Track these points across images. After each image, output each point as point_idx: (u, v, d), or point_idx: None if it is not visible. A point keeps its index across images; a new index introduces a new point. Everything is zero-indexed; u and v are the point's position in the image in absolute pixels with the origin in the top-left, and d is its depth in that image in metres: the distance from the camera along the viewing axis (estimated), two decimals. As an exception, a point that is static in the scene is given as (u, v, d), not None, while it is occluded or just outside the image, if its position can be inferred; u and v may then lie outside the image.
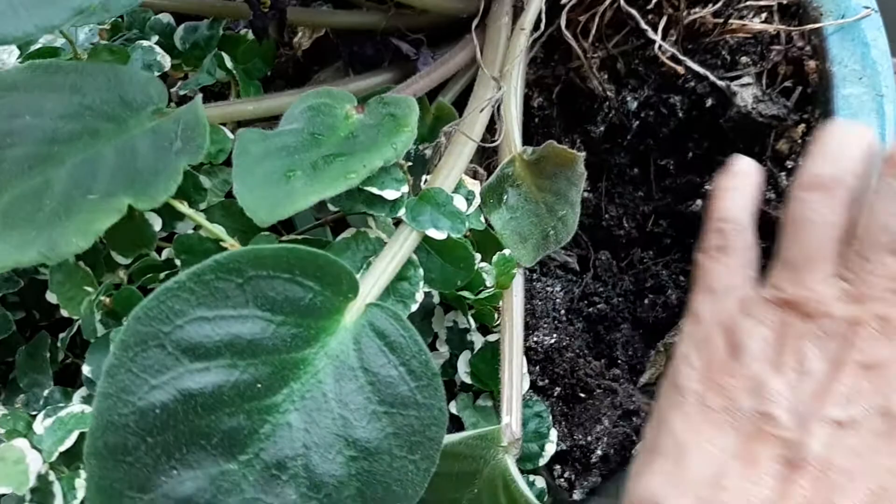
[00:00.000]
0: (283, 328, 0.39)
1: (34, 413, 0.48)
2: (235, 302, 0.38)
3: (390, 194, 0.44)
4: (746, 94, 0.54)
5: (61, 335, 0.53)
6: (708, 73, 0.54)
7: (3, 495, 0.45)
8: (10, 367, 0.55)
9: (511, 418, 0.45)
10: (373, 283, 0.42)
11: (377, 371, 0.40)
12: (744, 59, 0.55)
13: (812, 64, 0.55)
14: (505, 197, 0.50)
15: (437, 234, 0.45)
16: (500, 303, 0.49)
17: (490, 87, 0.50)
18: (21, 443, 0.45)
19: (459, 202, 0.45)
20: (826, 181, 0.43)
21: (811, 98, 0.55)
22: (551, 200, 0.49)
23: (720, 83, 0.54)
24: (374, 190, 0.44)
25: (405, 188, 0.44)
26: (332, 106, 0.47)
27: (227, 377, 0.37)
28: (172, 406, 0.36)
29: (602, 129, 0.57)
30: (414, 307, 0.45)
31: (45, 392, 0.52)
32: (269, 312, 0.38)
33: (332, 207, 0.47)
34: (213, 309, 0.37)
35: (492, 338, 0.51)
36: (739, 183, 0.46)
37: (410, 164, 0.45)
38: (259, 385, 0.38)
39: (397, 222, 0.46)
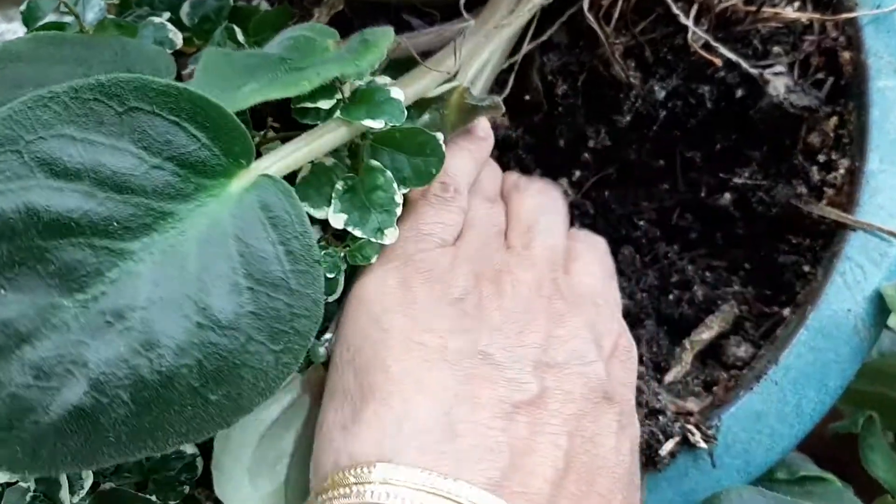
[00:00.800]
0: (157, 172, 0.35)
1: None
2: (109, 130, 0.35)
3: (324, 104, 0.41)
4: (779, 83, 0.52)
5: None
6: (741, 61, 0.51)
7: (8, 484, 0.44)
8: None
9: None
10: (276, 159, 0.39)
11: (251, 243, 0.36)
12: (776, 49, 0.53)
13: (846, 55, 0.52)
14: (425, 116, 0.46)
15: (374, 124, 0.41)
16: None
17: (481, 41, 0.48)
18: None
19: (396, 93, 0.42)
20: None
21: (845, 90, 0.53)
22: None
23: (753, 71, 0.51)
24: (307, 103, 0.41)
25: (339, 95, 0.41)
26: (312, 39, 0.45)
27: (80, 204, 0.34)
28: (14, 217, 0.33)
29: (628, 118, 0.55)
30: (399, 211, 0.42)
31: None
32: (145, 151, 0.35)
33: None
34: (84, 130, 0.35)
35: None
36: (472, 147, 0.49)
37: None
38: (115, 224, 0.35)
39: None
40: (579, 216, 0.57)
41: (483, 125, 0.49)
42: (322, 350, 0.42)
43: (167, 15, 0.56)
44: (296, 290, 0.36)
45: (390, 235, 0.42)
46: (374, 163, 0.43)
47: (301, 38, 0.45)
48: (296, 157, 0.39)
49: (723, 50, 0.51)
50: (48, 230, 0.34)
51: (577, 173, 0.57)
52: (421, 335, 0.39)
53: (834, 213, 0.51)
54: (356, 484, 0.35)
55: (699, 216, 0.57)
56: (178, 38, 0.54)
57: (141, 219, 0.35)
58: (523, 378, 0.38)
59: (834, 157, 0.53)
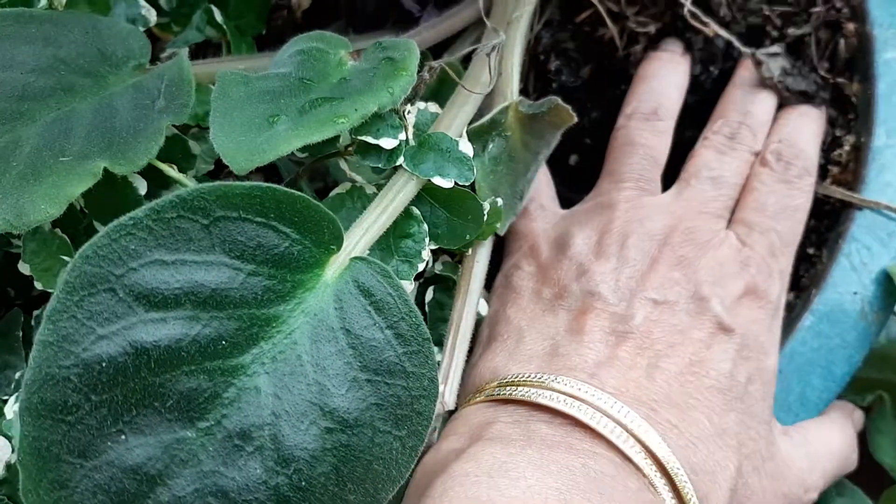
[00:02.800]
0: (254, 279, 0.34)
1: (5, 398, 0.44)
2: (199, 245, 0.33)
3: (387, 143, 0.39)
4: (774, 65, 0.50)
5: (35, 312, 0.49)
6: (732, 39, 0.49)
7: None
8: (-17, 348, 0.51)
9: (446, 388, 0.40)
10: (360, 234, 0.37)
11: (360, 333, 0.35)
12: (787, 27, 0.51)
13: (850, 26, 0.50)
14: (490, 146, 0.45)
15: (443, 182, 0.40)
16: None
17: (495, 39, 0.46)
18: (-10, 429, 0.41)
19: (465, 147, 0.41)
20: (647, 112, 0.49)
21: (850, 62, 0.51)
22: (529, 160, 0.45)
23: (745, 50, 0.49)
24: (370, 138, 0.39)
25: (403, 135, 0.40)
26: (324, 51, 0.43)
27: (186, 331, 0.33)
28: (122, 360, 0.32)
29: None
30: (421, 266, 0.41)
31: (17, 374, 0.48)
32: (239, 260, 0.34)
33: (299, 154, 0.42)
34: (174, 252, 0.33)
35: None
36: None
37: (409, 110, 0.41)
38: (224, 342, 0.33)
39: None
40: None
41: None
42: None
43: (141, -8, 0.53)
44: (411, 371, 0.35)
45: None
46: (415, 210, 0.42)
47: (313, 50, 0.43)
48: (378, 227, 0.38)
49: (714, 27, 0.49)
50: (159, 365, 0.32)
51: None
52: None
53: (839, 192, 0.50)
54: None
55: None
56: (151, 14, 0.51)
57: (247, 330, 0.34)
58: (627, 311, 0.42)
59: (838, 133, 0.51)
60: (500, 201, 0.44)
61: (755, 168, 0.48)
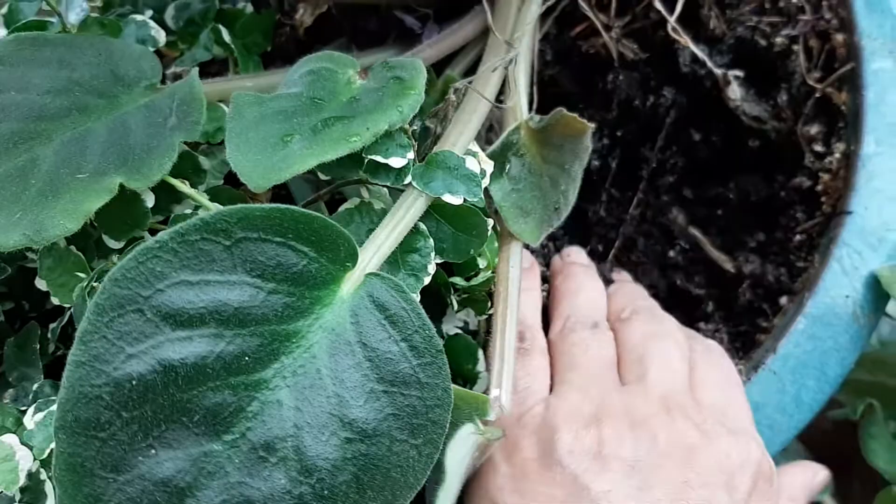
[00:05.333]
0: (274, 297, 0.35)
1: (23, 409, 0.45)
2: (222, 266, 0.35)
3: (396, 162, 0.41)
4: (738, 88, 0.52)
5: (52, 325, 0.50)
6: (706, 59, 0.51)
7: None
8: (-1, 359, 0.52)
9: (501, 391, 0.41)
10: (374, 251, 0.39)
11: (376, 346, 0.36)
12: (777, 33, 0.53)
13: (839, 37, 0.52)
14: (507, 167, 0.46)
15: (453, 200, 0.41)
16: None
17: (500, 54, 0.47)
18: (10, 439, 0.42)
19: (472, 164, 0.42)
20: None
21: (838, 72, 0.53)
22: (555, 173, 0.46)
23: (717, 71, 0.51)
24: (379, 158, 0.41)
25: (411, 154, 0.41)
26: (333, 70, 0.44)
27: (211, 348, 0.34)
28: (151, 378, 0.33)
29: (616, 110, 0.55)
30: (427, 280, 0.42)
31: (35, 386, 0.49)
32: (259, 279, 0.35)
33: (322, 177, 0.43)
34: (198, 273, 0.34)
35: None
36: (532, 283, 0.48)
37: (416, 130, 0.42)
38: (247, 358, 0.35)
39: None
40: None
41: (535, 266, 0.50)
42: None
43: (150, 13, 0.55)
44: (426, 382, 0.37)
45: None
46: (422, 226, 0.43)
47: (322, 70, 0.45)
48: (390, 244, 0.39)
49: (692, 46, 0.51)
50: (186, 382, 0.34)
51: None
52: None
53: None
54: None
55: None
56: (160, 35, 0.53)
57: (268, 346, 0.35)
58: None
59: (830, 141, 0.53)
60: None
61: None
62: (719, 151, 0.56)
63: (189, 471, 0.33)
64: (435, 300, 0.46)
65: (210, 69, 0.55)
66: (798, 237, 0.53)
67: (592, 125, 0.45)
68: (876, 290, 0.49)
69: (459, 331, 0.46)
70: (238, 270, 0.35)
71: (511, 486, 0.40)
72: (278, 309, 0.35)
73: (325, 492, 0.34)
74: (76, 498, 0.32)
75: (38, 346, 0.50)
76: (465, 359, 0.45)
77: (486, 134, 0.51)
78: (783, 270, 0.53)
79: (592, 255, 0.55)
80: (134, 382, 0.33)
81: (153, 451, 0.33)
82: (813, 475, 0.47)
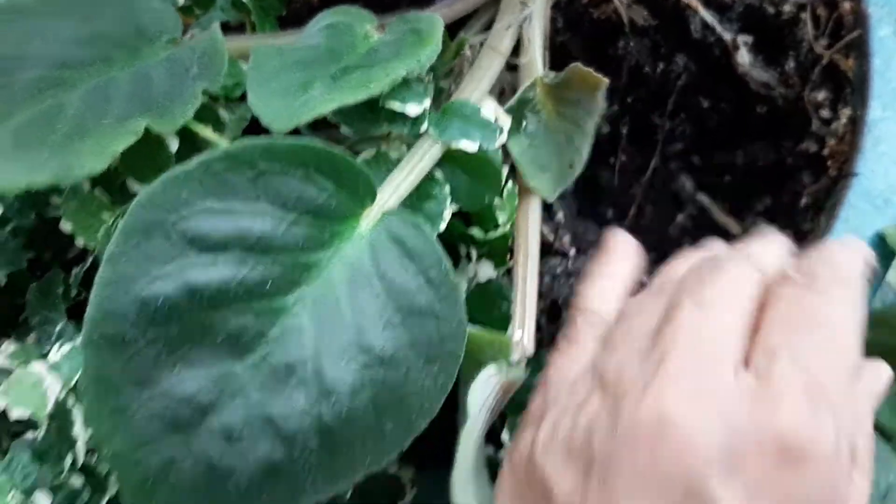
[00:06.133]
0: (296, 227, 0.37)
1: (47, 351, 0.47)
2: (246, 196, 0.36)
3: (413, 109, 0.42)
4: (746, 54, 0.53)
5: (74, 270, 0.51)
6: (715, 24, 0.52)
7: (21, 421, 0.43)
8: (20, 309, 0.53)
9: (523, 334, 0.42)
10: (391, 192, 0.40)
11: (394, 278, 0.38)
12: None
13: (847, 5, 0.53)
14: (524, 123, 0.47)
15: (469, 146, 0.42)
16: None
17: (515, 13, 0.48)
18: (39, 366, 0.43)
19: (488, 112, 0.43)
20: None
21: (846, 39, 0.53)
22: (570, 129, 0.47)
23: (726, 36, 0.52)
24: (396, 105, 0.42)
25: (428, 102, 0.42)
26: (350, 24, 0.45)
27: (234, 273, 0.35)
28: (176, 298, 0.34)
29: (626, 77, 0.56)
30: (442, 226, 0.43)
31: (58, 327, 0.51)
32: (282, 210, 0.36)
33: (345, 132, 0.45)
34: (223, 200, 0.35)
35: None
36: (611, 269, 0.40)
37: (432, 84, 0.44)
38: (269, 284, 0.36)
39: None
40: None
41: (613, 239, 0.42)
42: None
43: (169, -27, 0.56)
44: (442, 315, 0.38)
45: None
46: (437, 173, 0.44)
47: (340, 24, 0.46)
48: (406, 186, 0.41)
49: (703, 13, 0.52)
50: (210, 303, 0.35)
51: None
52: None
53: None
54: None
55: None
56: None
57: (290, 274, 0.36)
58: None
59: (836, 107, 0.53)
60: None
61: None
62: (728, 118, 0.56)
63: (211, 389, 0.35)
64: (450, 251, 0.47)
65: (226, 34, 0.56)
66: (804, 200, 0.54)
67: (606, 80, 0.46)
68: (881, 250, 0.50)
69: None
70: (261, 200, 0.36)
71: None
72: (299, 240, 0.37)
73: (343, 413, 0.36)
74: (102, 411, 0.34)
75: (60, 291, 0.51)
76: (497, 304, 0.46)
77: (499, 98, 0.52)
78: (790, 232, 0.54)
79: (604, 220, 0.57)
80: (160, 302, 0.34)
81: (176, 369, 0.34)
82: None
